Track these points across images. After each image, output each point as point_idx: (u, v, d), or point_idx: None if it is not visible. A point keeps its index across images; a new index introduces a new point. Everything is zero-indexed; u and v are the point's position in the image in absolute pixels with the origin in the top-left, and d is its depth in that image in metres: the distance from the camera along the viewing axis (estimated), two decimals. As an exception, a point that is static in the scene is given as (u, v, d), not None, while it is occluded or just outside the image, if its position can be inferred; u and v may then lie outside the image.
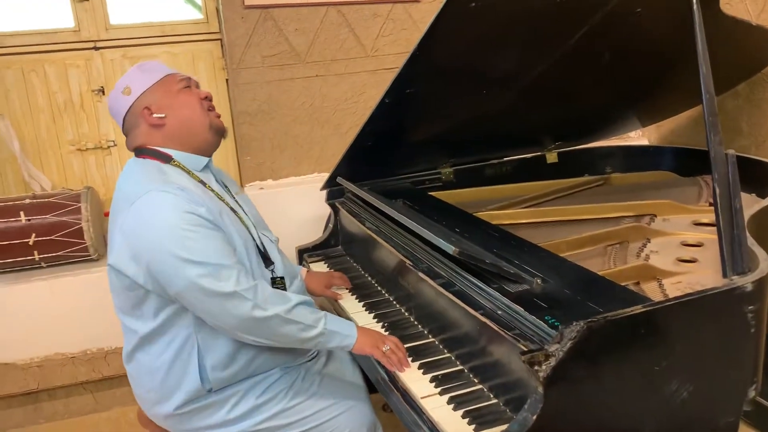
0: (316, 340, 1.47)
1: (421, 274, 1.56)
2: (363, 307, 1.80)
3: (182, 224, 1.37)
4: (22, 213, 2.32)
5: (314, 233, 2.31)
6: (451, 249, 1.36)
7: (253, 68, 2.64)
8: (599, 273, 1.43)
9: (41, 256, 2.36)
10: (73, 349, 2.43)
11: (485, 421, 1.23)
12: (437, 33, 1.55)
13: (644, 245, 1.77)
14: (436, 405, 1.31)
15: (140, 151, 1.53)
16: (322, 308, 1.56)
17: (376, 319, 1.71)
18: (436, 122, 2.08)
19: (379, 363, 1.52)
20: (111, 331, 2.33)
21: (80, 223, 2.35)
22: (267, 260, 1.59)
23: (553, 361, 1.04)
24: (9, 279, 2.37)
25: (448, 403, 1.30)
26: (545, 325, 1.15)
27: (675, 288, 1.49)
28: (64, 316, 2.39)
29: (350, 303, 1.84)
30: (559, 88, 2.03)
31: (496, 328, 1.24)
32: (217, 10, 2.67)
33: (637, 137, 3.10)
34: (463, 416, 1.25)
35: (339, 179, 2.18)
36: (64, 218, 2.35)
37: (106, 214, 2.43)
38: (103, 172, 2.72)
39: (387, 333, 1.62)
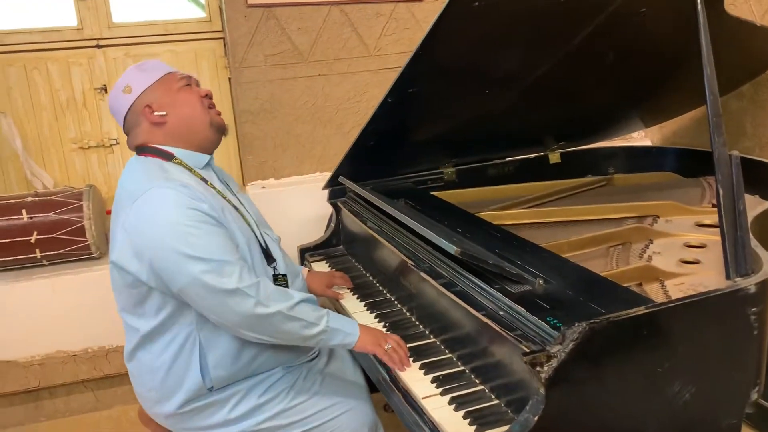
0: (319, 337, 1.47)
1: (422, 274, 1.56)
2: (364, 306, 1.80)
3: (185, 220, 1.37)
4: (24, 211, 2.32)
5: (316, 233, 2.31)
6: (453, 249, 1.36)
7: (256, 67, 2.64)
8: (601, 274, 1.43)
9: (43, 254, 2.36)
10: (75, 347, 2.43)
11: (487, 422, 1.22)
12: (440, 32, 1.55)
13: (647, 246, 1.76)
14: (437, 405, 1.31)
15: (142, 150, 1.53)
16: (324, 308, 1.56)
17: (377, 319, 1.71)
18: (439, 122, 2.07)
19: (380, 362, 1.52)
20: (112, 330, 2.34)
21: (82, 221, 2.35)
22: (269, 257, 1.59)
23: (554, 362, 1.04)
24: (11, 277, 2.37)
25: (450, 403, 1.30)
26: (547, 326, 1.15)
27: (678, 289, 1.48)
28: (66, 314, 2.39)
29: (351, 303, 1.84)
30: (562, 88, 2.02)
31: (498, 329, 1.24)
32: (220, 9, 2.67)
33: (640, 138, 3.09)
34: (465, 417, 1.25)
35: (341, 179, 2.18)
36: (66, 216, 2.35)
37: (108, 213, 2.44)
38: (105, 170, 2.73)
39: (388, 333, 1.61)
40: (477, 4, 1.47)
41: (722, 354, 1.20)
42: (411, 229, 1.63)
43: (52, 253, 2.37)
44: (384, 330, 1.64)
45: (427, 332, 1.60)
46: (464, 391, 1.33)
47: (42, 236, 2.32)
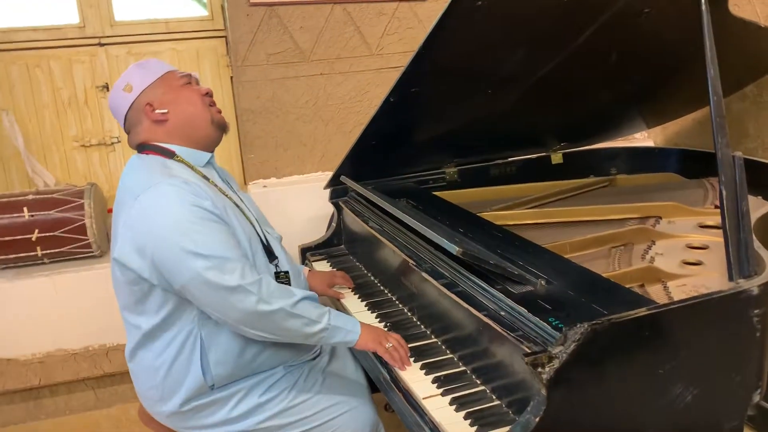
0: (320, 335, 1.46)
1: (424, 274, 1.55)
2: (365, 306, 1.80)
3: (188, 216, 1.37)
4: (25, 209, 2.32)
5: (317, 232, 2.31)
6: (454, 249, 1.36)
7: (258, 66, 2.64)
8: (604, 275, 1.42)
9: (44, 252, 2.36)
10: (75, 345, 2.43)
11: (487, 423, 1.22)
12: (442, 32, 1.54)
13: (649, 247, 1.75)
14: (438, 406, 1.30)
15: (143, 147, 1.53)
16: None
17: (378, 319, 1.71)
18: (441, 121, 2.07)
19: (381, 362, 1.51)
20: (113, 328, 2.34)
21: (83, 220, 2.35)
22: (271, 255, 1.59)
23: (556, 363, 1.03)
24: (11, 275, 2.37)
25: (451, 404, 1.30)
26: (549, 327, 1.15)
27: (680, 291, 1.47)
28: (66, 313, 2.39)
29: (353, 302, 1.84)
30: (565, 89, 2.02)
31: (499, 329, 1.24)
32: (222, 8, 2.67)
33: (643, 139, 3.08)
34: (465, 417, 1.25)
35: (342, 178, 2.18)
36: (67, 214, 2.35)
37: (110, 211, 2.44)
38: (107, 168, 2.73)
39: (389, 331, 1.61)
40: (480, 3, 1.47)
41: (724, 356, 1.19)
42: (413, 229, 1.62)
43: (53, 251, 2.37)
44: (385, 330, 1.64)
45: (428, 332, 1.59)
46: (465, 391, 1.33)
47: (43, 234, 2.32)
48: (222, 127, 1.60)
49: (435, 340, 1.55)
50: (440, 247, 1.46)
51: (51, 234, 2.33)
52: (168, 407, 1.52)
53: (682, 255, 1.68)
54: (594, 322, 1.05)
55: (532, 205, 2.21)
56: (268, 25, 2.61)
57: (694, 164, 2.39)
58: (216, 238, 1.39)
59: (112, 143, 2.70)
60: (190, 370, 1.48)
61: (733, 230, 1.29)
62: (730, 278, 1.26)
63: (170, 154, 1.52)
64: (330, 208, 2.28)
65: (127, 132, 1.57)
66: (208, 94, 1.58)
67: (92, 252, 2.41)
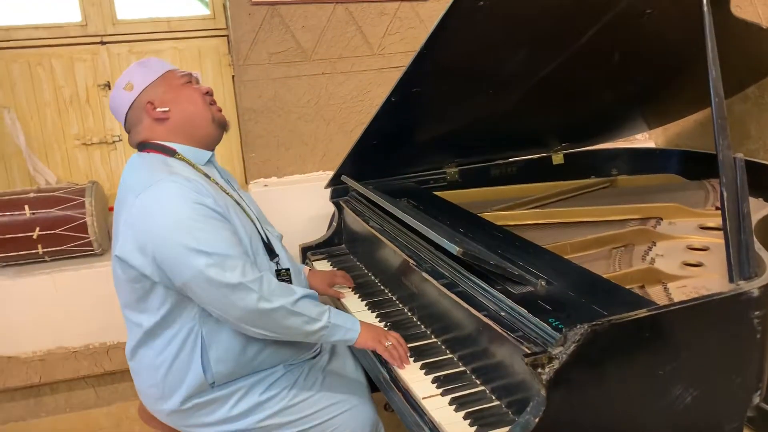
0: (320, 333, 1.47)
1: (424, 274, 1.55)
2: (366, 306, 1.80)
3: (190, 214, 1.37)
4: (26, 207, 2.32)
5: (318, 231, 2.31)
6: (455, 249, 1.36)
7: (260, 65, 2.64)
8: (604, 276, 1.42)
9: (45, 249, 2.36)
10: (76, 343, 2.43)
11: (487, 423, 1.22)
12: (444, 32, 1.54)
13: (650, 248, 1.75)
14: (437, 406, 1.31)
15: (144, 146, 1.54)
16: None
17: (378, 319, 1.71)
18: (442, 121, 2.07)
19: (380, 361, 1.52)
20: (113, 326, 2.34)
21: (84, 218, 2.35)
22: (272, 252, 1.59)
23: (556, 364, 1.03)
24: (12, 272, 2.37)
25: (450, 404, 1.30)
26: (549, 328, 1.15)
27: (680, 292, 1.47)
28: (67, 311, 2.39)
29: (353, 302, 1.84)
30: (567, 89, 2.02)
31: (499, 330, 1.23)
32: (224, 6, 2.67)
33: (644, 140, 3.08)
34: (465, 417, 1.25)
35: (343, 178, 2.18)
36: (68, 212, 2.35)
37: (111, 209, 2.44)
38: (108, 167, 2.73)
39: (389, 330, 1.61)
40: (482, 3, 1.47)
41: (724, 358, 1.19)
42: (413, 228, 1.62)
43: (54, 249, 2.37)
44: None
45: (428, 332, 1.60)
46: (465, 391, 1.33)
47: (44, 232, 2.32)
48: (222, 126, 1.61)
49: (435, 340, 1.55)
50: (441, 247, 1.46)
51: (52, 232, 2.33)
52: (168, 405, 1.52)
53: (682, 256, 1.68)
54: (594, 323, 1.05)
55: (533, 206, 2.21)
56: (270, 25, 2.61)
57: (695, 165, 2.39)
58: (218, 235, 1.39)
59: (114, 141, 2.70)
60: (191, 368, 1.48)
61: (733, 232, 1.29)
62: (731, 280, 1.26)
63: (171, 152, 1.52)
64: (331, 208, 2.28)
65: (128, 131, 1.57)
66: (209, 93, 1.58)
67: (93, 250, 2.41)
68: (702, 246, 1.73)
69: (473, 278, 1.40)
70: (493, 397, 1.30)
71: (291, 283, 1.57)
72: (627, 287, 1.35)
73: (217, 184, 1.55)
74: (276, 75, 2.67)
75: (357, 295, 1.87)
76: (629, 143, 2.90)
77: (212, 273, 1.36)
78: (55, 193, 2.38)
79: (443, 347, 1.51)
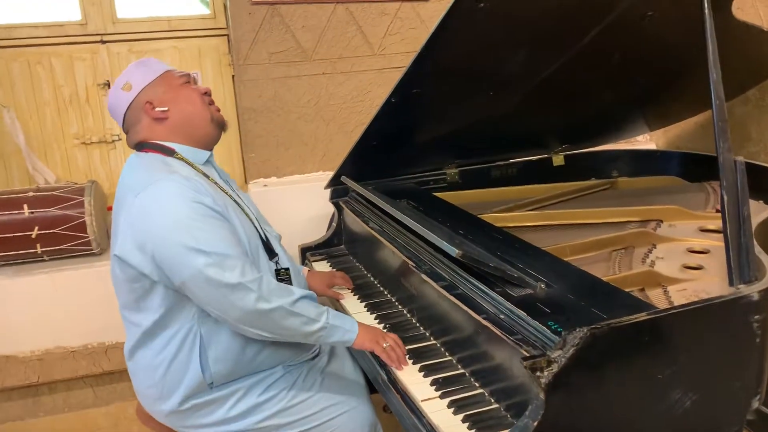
0: (319, 333, 1.47)
1: (423, 276, 1.55)
2: (365, 307, 1.79)
3: (189, 213, 1.37)
4: (25, 206, 2.32)
5: (317, 232, 2.30)
6: (454, 251, 1.35)
7: (260, 65, 2.63)
8: (604, 278, 1.42)
9: (44, 249, 2.35)
10: (74, 342, 2.43)
11: (485, 426, 1.22)
12: (445, 32, 1.54)
13: (650, 251, 1.75)
14: (436, 408, 1.30)
15: (142, 146, 1.54)
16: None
17: (377, 320, 1.70)
18: (442, 122, 2.07)
19: (379, 362, 1.51)
20: (112, 326, 2.34)
21: (83, 217, 2.35)
22: (271, 252, 1.59)
23: (555, 368, 1.03)
24: (11, 271, 2.37)
25: (449, 406, 1.29)
26: (548, 331, 1.14)
27: (680, 295, 1.47)
28: (66, 310, 2.39)
29: (352, 303, 1.84)
30: (567, 91, 2.01)
31: (499, 333, 1.23)
32: (225, 6, 2.66)
33: (645, 142, 3.08)
34: (464, 420, 1.24)
35: (343, 178, 2.17)
36: (67, 212, 2.34)
37: (110, 209, 2.44)
38: (107, 166, 2.72)
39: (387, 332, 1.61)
40: (482, 4, 1.46)
41: (724, 361, 1.19)
42: (413, 230, 1.62)
43: (52, 248, 2.36)
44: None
45: (427, 334, 1.59)
46: (464, 394, 1.32)
47: (43, 231, 2.32)
48: (221, 126, 1.61)
49: (434, 342, 1.55)
50: (440, 249, 1.46)
51: (51, 231, 2.33)
52: (167, 406, 1.52)
53: (682, 259, 1.67)
54: (593, 326, 1.05)
55: (533, 207, 2.20)
56: (270, 24, 2.61)
57: (695, 168, 2.38)
58: (217, 234, 1.39)
59: (113, 141, 2.70)
60: (189, 368, 1.48)
61: (734, 235, 1.29)
62: (731, 283, 1.25)
63: (170, 152, 1.52)
64: (330, 208, 2.28)
65: (126, 131, 1.57)
66: (207, 93, 1.59)
67: (92, 250, 2.41)
68: (702, 249, 1.72)
69: (472, 280, 1.39)
70: (492, 400, 1.29)
71: (290, 283, 1.57)
72: (627, 290, 1.35)
73: (216, 183, 1.55)
74: (276, 75, 2.66)
75: (356, 297, 1.86)
76: (630, 145, 2.90)
77: (211, 272, 1.35)
78: (54, 193, 2.38)
79: (442, 349, 1.51)
